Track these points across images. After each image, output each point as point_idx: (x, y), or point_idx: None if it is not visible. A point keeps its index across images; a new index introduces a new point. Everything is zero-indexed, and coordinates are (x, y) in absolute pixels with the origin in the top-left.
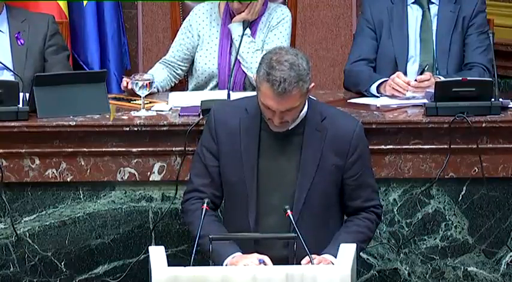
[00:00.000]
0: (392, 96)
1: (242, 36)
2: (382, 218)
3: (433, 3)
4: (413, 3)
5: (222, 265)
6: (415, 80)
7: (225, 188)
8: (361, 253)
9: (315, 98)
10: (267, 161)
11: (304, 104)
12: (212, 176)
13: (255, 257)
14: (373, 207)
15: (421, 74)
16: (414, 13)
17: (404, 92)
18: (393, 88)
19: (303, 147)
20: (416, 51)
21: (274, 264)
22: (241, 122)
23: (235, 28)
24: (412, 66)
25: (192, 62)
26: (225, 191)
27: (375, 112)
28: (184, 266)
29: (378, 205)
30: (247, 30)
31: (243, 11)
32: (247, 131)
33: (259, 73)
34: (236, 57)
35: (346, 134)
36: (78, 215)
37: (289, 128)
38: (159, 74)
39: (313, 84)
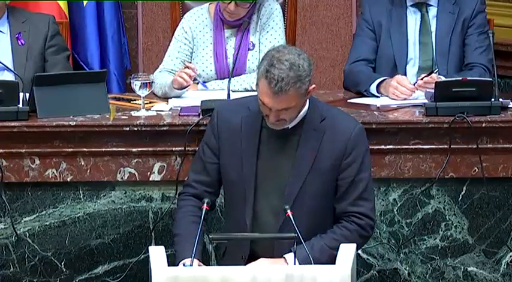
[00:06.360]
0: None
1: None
2: (382, 218)
3: (431, 5)
4: (411, 5)
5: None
6: (421, 79)
7: (225, 186)
8: (361, 253)
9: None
10: (266, 160)
11: (304, 104)
12: (208, 173)
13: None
14: (357, 214)
15: (428, 75)
16: (413, 16)
17: (410, 95)
18: (397, 96)
19: (298, 147)
20: (415, 54)
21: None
22: (243, 120)
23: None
24: (412, 69)
25: None
26: (225, 189)
27: (375, 112)
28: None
29: (362, 214)
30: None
31: (237, 17)
32: (248, 129)
33: (260, 69)
34: (234, 61)
35: (344, 135)
36: (78, 215)
37: (289, 127)
38: (169, 78)
39: (313, 85)
